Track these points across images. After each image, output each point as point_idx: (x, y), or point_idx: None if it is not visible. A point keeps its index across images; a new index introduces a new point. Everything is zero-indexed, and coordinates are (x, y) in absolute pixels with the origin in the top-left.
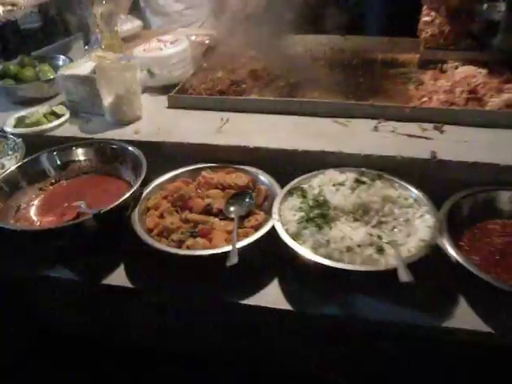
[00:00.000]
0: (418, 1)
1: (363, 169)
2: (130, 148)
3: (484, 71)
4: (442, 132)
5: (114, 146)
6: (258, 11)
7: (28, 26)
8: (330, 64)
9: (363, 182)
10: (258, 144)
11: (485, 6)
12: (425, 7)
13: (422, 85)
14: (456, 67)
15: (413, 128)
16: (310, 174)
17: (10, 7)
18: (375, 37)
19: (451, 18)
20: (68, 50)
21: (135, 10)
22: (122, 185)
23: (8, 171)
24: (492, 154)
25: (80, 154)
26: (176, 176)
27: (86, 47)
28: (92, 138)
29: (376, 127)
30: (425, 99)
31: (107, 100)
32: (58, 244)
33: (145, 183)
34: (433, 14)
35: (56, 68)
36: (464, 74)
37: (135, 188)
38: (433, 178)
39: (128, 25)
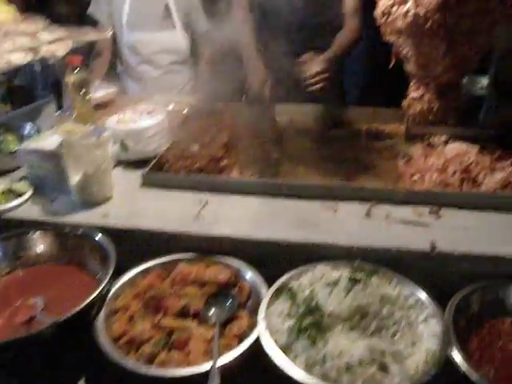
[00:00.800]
0: (396, 72)
1: (357, 262)
2: (97, 235)
3: (475, 148)
4: (438, 217)
5: (79, 233)
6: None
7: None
8: (314, 136)
9: (358, 281)
10: (240, 234)
11: (464, 79)
12: (412, 83)
13: (411, 160)
14: (445, 142)
15: (407, 212)
16: (299, 270)
17: None
18: (359, 107)
19: (440, 94)
20: (38, 114)
21: (112, 73)
22: (86, 278)
23: None
24: (495, 242)
25: (40, 240)
26: (148, 269)
27: (59, 112)
28: (55, 222)
29: (368, 213)
30: (416, 177)
31: (74, 179)
32: (4, 358)
33: (113, 276)
34: (421, 90)
35: (22, 137)
36: (455, 151)
37: (102, 286)
38: (433, 272)
39: (102, 91)
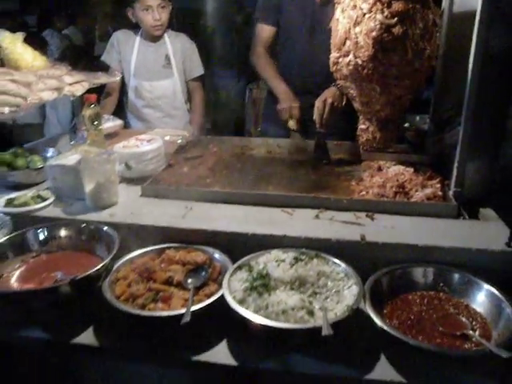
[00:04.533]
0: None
1: (303, 249)
2: (105, 228)
3: (411, 169)
4: (372, 219)
5: (92, 227)
6: None
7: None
8: (288, 163)
9: (302, 260)
10: (215, 228)
11: (417, 117)
12: (361, 117)
13: (362, 181)
14: (389, 166)
15: (348, 216)
16: (258, 253)
17: (14, 108)
18: (329, 141)
19: (381, 127)
20: (56, 143)
21: (119, 112)
22: (96, 260)
23: None
24: (412, 236)
25: (61, 232)
26: (144, 253)
27: (73, 142)
28: (73, 219)
29: (317, 215)
30: (363, 193)
31: (89, 187)
32: (35, 306)
33: (117, 258)
34: (367, 122)
35: (45, 158)
36: (395, 171)
37: (107, 260)
38: (363, 257)
39: (110, 123)
